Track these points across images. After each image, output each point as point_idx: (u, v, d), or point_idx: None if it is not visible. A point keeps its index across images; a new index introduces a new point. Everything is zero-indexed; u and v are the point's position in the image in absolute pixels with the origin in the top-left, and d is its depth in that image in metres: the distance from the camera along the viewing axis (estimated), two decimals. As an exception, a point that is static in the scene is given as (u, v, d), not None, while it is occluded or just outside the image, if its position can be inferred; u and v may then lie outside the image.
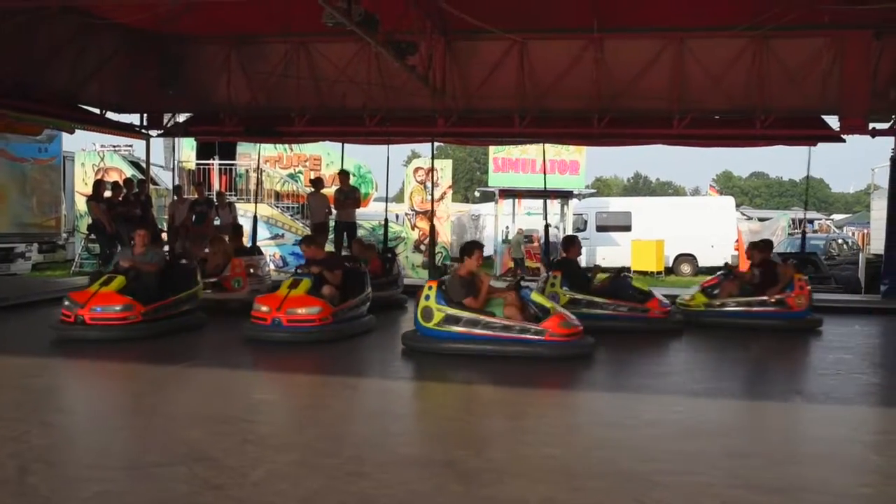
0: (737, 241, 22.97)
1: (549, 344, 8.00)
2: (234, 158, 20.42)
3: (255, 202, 15.31)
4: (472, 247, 8.61)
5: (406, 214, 21.13)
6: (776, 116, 12.55)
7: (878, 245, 15.97)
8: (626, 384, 7.30)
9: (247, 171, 20.57)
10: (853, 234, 26.05)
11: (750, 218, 34.81)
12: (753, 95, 12.45)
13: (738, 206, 35.09)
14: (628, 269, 11.04)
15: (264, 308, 8.78)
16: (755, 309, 10.42)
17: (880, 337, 10.83)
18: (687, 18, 12.03)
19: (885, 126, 12.88)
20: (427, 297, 8.24)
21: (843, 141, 12.77)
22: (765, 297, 10.39)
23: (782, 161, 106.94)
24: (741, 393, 7.13)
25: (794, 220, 33.08)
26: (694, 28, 12.34)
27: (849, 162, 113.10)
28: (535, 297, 8.49)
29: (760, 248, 11.14)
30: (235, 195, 19.73)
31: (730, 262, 18.25)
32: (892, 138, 12.97)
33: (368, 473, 4.47)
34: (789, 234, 27.29)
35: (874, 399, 7.13)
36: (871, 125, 12.74)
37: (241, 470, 4.48)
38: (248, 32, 13.52)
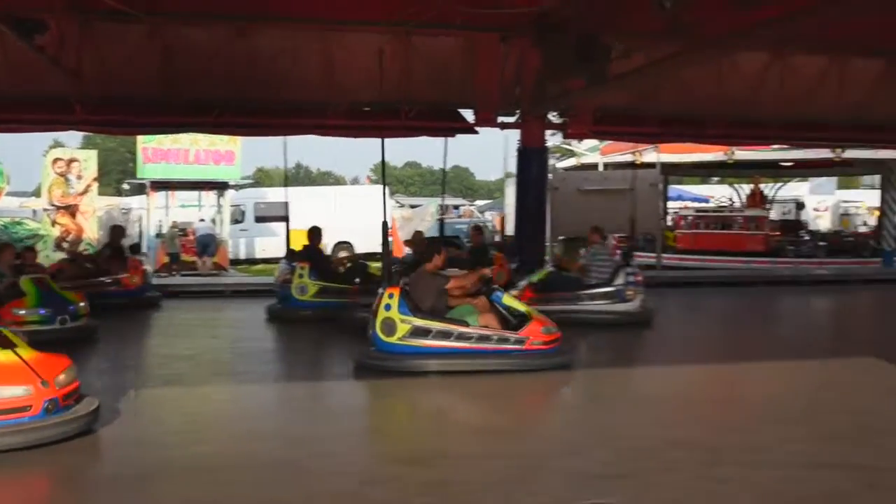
0: (391, 228, 24.02)
1: (531, 353, 7.23)
2: None
3: None
4: (439, 245, 8.12)
5: (45, 210, 19.27)
6: (419, 109, 13.31)
7: (512, 227, 17.66)
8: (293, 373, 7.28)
9: None
10: (493, 217, 28.48)
11: (403, 205, 36.61)
12: (399, 89, 13.06)
13: (393, 194, 36.78)
14: (363, 256, 11.47)
15: (11, 392, 4.92)
16: (97, 289, 11.17)
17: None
18: (335, 11, 12.26)
19: (512, 120, 14.21)
20: (388, 307, 7.16)
21: (477, 132, 13.91)
22: (105, 279, 11.67)
23: (433, 152, 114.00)
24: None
25: (441, 206, 35.36)
26: (342, 21, 12.61)
27: (491, 152, 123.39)
28: (507, 300, 7.60)
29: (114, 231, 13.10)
30: None
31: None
32: (519, 131, 14.30)
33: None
34: (437, 219, 29.12)
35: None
36: (501, 119, 14.05)
37: None
38: None
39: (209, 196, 22.36)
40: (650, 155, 20.85)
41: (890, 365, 7.95)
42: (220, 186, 21.33)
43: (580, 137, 17.42)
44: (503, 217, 24.20)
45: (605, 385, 7.35)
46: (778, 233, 23.22)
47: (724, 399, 6.93)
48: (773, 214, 27.96)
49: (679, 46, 10.04)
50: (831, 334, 11.09)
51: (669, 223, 24.55)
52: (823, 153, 20.49)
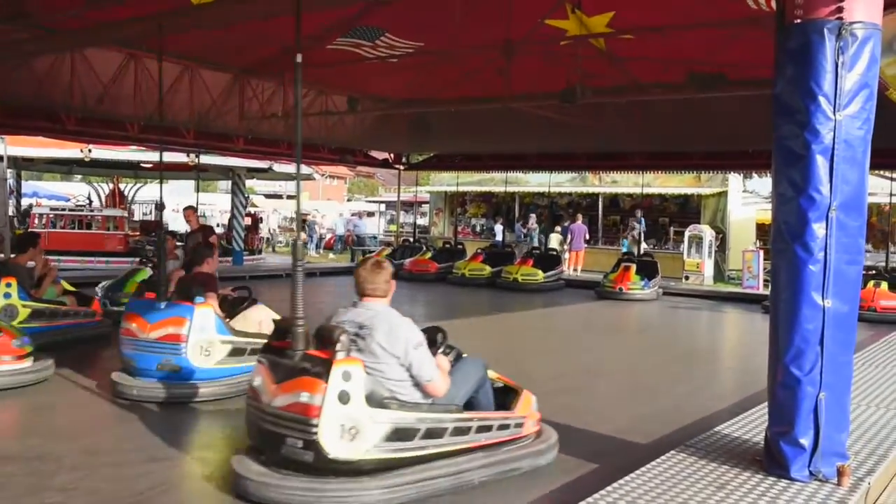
0: None
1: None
2: None
3: None
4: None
5: None
6: None
7: None
8: None
9: None
10: None
11: None
12: None
13: None
14: None
15: None
16: None
17: None
18: None
19: None
20: (8, 295, 8.41)
21: None
22: None
23: None
24: None
25: None
26: None
27: None
28: None
29: None
30: None
31: None
32: None
33: None
34: None
35: None
36: None
37: None
38: None
39: None
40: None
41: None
42: None
43: None
44: None
45: None
46: (138, 233, 23.55)
47: None
48: (136, 215, 28.38)
49: (26, 34, 9.57)
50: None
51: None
52: (181, 157, 21.34)
